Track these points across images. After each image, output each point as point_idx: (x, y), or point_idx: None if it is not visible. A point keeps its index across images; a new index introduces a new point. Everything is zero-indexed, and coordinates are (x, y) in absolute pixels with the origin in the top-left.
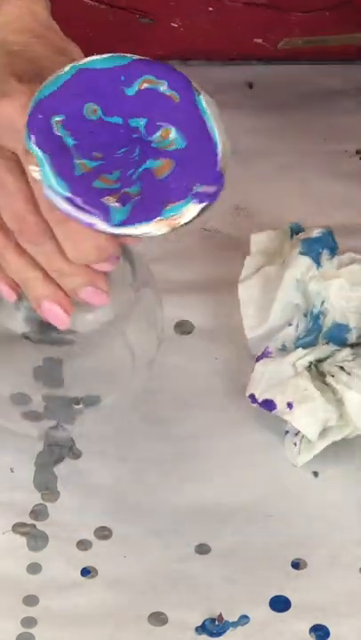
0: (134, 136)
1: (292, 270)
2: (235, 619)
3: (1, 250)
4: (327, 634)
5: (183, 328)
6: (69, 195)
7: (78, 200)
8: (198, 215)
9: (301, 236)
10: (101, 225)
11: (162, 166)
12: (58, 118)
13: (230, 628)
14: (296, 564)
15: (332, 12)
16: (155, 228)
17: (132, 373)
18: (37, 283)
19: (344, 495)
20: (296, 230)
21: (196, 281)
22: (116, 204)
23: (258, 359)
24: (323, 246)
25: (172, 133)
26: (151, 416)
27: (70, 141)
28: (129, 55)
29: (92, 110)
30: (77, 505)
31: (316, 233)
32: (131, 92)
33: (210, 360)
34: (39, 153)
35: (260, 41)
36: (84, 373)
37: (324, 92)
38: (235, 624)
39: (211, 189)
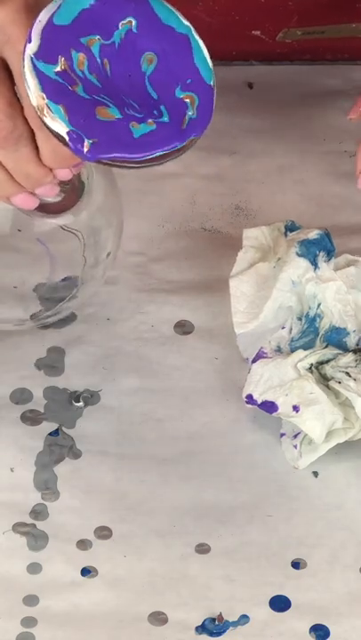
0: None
1: (288, 271)
2: (235, 619)
3: None
4: (327, 634)
5: (183, 328)
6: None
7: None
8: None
9: (298, 236)
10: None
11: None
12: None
13: (230, 628)
14: (296, 564)
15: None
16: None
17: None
18: (6, 184)
19: (344, 495)
20: (291, 228)
21: (196, 281)
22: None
23: (254, 360)
24: (320, 248)
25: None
26: (151, 416)
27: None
28: None
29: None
30: (77, 505)
31: (313, 234)
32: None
33: (210, 360)
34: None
35: (258, 33)
36: (85, 364)
37: (324, 92)
38: (235, 624)
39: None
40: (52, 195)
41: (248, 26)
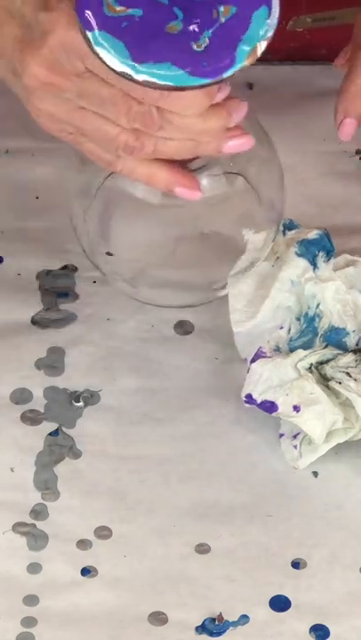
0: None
1: (287, 271)
2: (235, 619)
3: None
4: (327, 634)
5: (183, 328)
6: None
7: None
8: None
9: (298, 236)
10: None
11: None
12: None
13: (230, 628)
14: (296, 564)
15: None
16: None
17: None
18: (163, 173)
19: (344, 495)
20: (289, 227)
21: (196, 281)
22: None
23: (253, 359)
24: (319, 248)
25: None
26: (151, 416)
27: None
28: None
29: None
30: (77, 505)
31: (312, 234)
32: None
33: (210, 360)
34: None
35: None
36: (85, 364)
37: (324, 92)
38: (235, 624)
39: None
40: (246, 146)
41: None
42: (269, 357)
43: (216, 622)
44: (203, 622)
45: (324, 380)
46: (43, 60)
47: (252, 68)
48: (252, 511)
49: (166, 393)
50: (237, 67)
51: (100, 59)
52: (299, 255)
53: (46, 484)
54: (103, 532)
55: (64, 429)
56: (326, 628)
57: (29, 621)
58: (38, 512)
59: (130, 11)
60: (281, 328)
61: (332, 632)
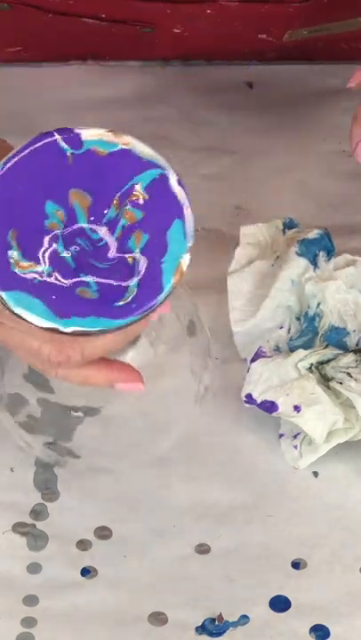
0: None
1: (288, 271)
2: (235, 619)
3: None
4: (327, 634)
5: None
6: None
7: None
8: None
9: (298, 235)
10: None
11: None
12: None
13: (230, 628)
14: (296, 564)
15: None
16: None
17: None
18: (100, 375)
19: (344, 495)
20: (289, 225)
21: (196, 281)
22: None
23: (253, 359)
24: (320, 248)
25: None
26: (151, 416)
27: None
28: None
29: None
30: (77, 505)
31: (313, 234)
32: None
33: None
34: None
35: (264, 36)
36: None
37: (324, 92)
38: (235, 624)
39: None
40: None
41: (254, 32)
42: (269, 357)
43: (216, 622)
44: (203, 622)
45: (324, 380)
46: None
47: (252, 67)
48: (252, 511)
49: (166, 393)
50: (166, 291)
51: (23, 319)
52: (299, 255)
53: (46, 484)
54: (103, 532)
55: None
56: (326, 628)
57: (29, 621)
58: (38, 512)
59: (38, 268)
60: (281, 328)
61: (332, 632)
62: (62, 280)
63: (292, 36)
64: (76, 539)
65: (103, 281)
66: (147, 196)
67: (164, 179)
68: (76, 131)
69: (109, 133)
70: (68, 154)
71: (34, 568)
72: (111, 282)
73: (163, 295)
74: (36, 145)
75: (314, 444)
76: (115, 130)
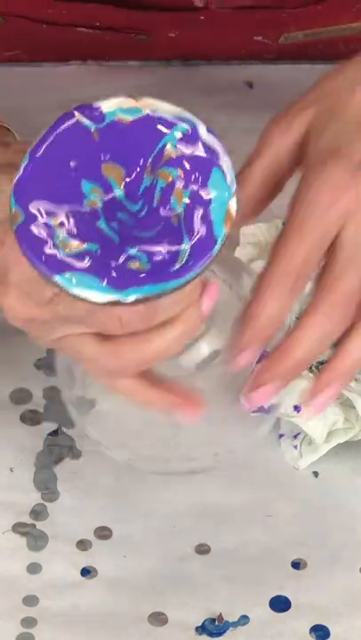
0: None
1: None
2: (235, 619)
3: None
4: (327, 634)
5: None
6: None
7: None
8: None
9: None
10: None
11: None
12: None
13: (230, 628)
14: (296, 564)
15: (323, 4)
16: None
17: None
18: (163, 399)
19: (344, 495)
20: None
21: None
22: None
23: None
24: None
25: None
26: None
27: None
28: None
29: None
30: (77, 505)
31: None
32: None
33: None
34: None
35: (260, 39)
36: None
37: None
38: (235, 624)
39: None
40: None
41: (250, 35)
42: None
43: (216, 622)
44: (203, 622)
45: None
46: (15, 296)
47: (252, 67)
48: (252, 511)
49: None
50: (221, 241)
51: (81, 299)
52: None
53: (46, 484)
54: (103, 533)
55: (64, 430)
56: (326, 628)
57: (29, 621)
58: (38, 512)
59: (85, 246)
60: None
61: (332, 632)
62: (111, 256)
63: (288, 40)
64: (76, 539)
65: (153, 249)
66: (180, 153)
67: (193, 131)
68: (96, 105)
69: (129, 99)
70: (93, 129)
71: (34, 568)
72: (160, 249)
73: (218, 245)
74: (60, 128)
75: (314, 444)
76: (133, 94)
